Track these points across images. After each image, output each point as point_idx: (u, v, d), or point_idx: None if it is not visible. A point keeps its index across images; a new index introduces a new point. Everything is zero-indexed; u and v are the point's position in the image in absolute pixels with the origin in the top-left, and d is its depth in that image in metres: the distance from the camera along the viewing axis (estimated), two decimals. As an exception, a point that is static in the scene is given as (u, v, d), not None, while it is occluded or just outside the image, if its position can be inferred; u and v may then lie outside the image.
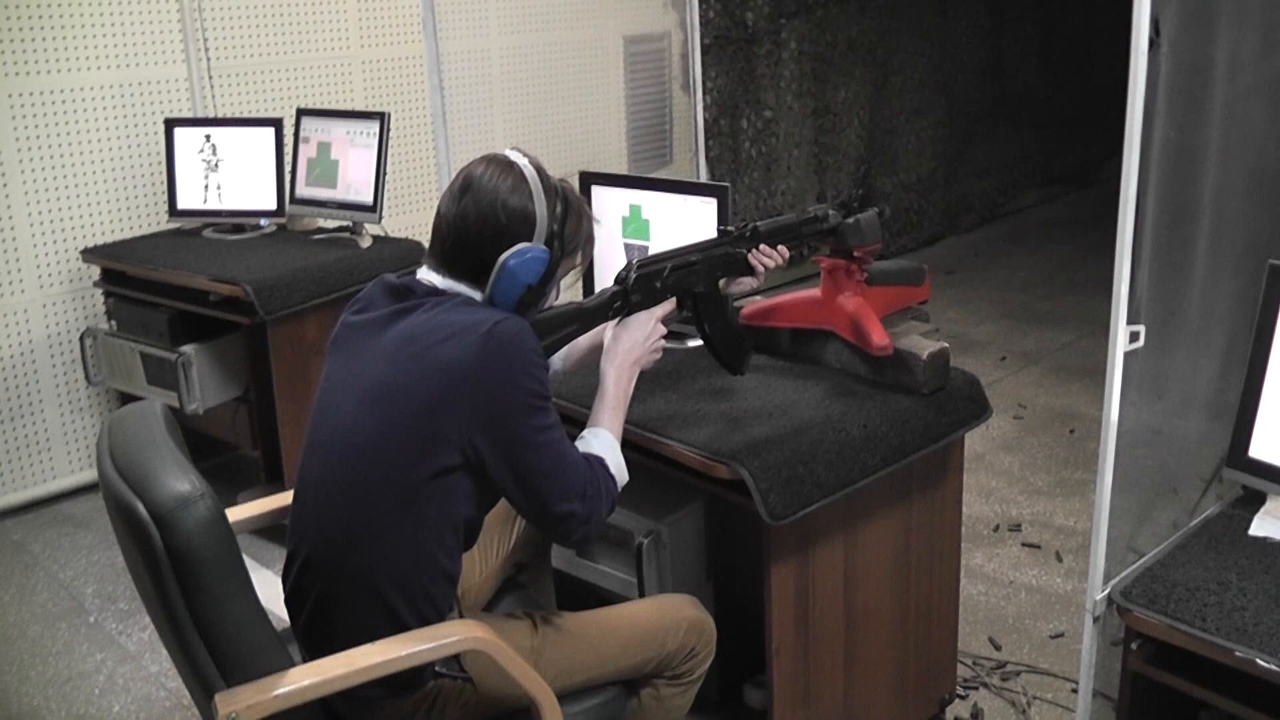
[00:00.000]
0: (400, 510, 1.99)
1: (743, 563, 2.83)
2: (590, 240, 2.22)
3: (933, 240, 8.17)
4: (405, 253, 4.27)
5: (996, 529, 4.01)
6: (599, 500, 2.07)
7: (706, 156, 6.67)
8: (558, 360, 2.41)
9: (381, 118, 4.21)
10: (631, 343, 2.24)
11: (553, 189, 2.10)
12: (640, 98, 6.22)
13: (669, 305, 2.31)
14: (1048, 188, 9.30)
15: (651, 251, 2.89)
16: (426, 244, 4.27)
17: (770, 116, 6.99)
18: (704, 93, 6.41)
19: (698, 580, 2.74)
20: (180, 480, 1.85)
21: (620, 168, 6.14)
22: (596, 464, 2.10)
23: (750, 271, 2.42)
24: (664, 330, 2.30)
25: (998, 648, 3.33)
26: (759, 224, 2.42)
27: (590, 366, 2.37)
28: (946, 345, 2.63)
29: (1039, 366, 5.64)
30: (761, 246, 2.41)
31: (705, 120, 6.57)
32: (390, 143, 4.31)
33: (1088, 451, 4.61)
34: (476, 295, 2.08)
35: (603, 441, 2.15)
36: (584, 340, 2.34)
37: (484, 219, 2.05)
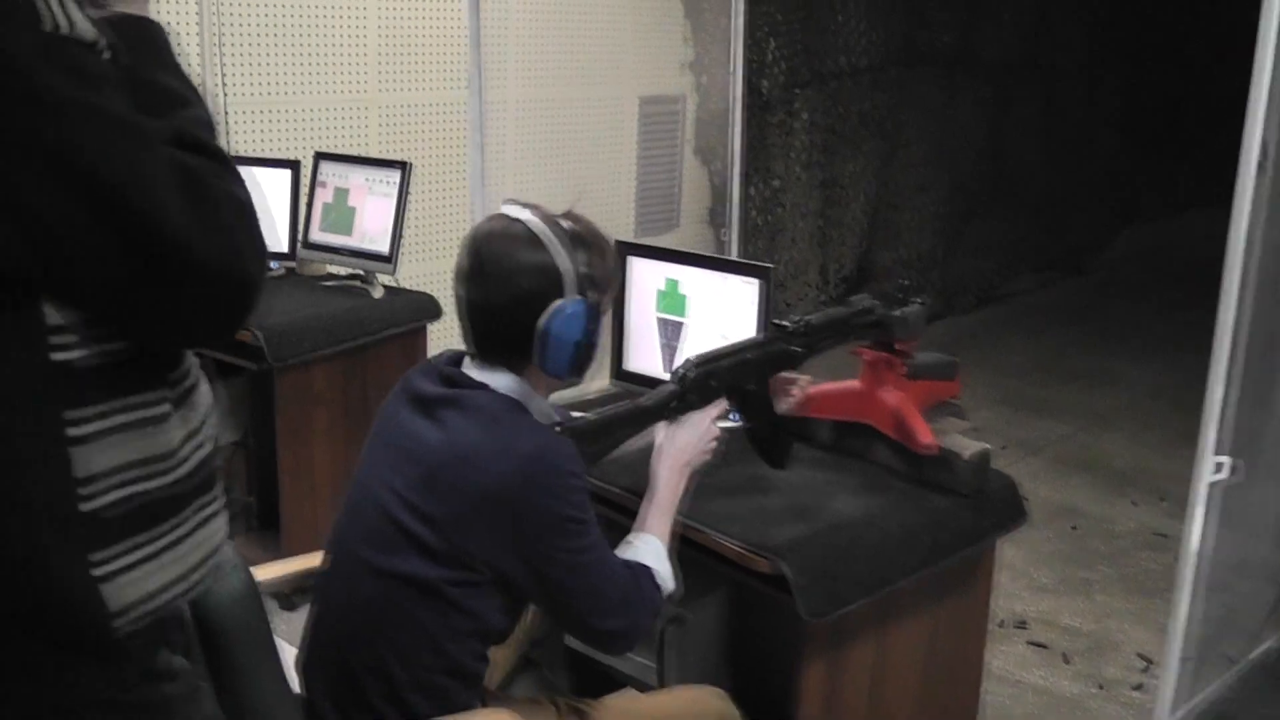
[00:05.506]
0: (427, 610, 1.92)
1: (755, 654, 2.76)
2: (617, 267, 2.14)
3: (930, 320, 8.11)
4: (417, 305, 4.21)
5: (1002, 624, 3.95)
6: (642, 614, 2.01)
7: (711, 222, 6.66)
8: None
9: (403, 167, 4.15)
10: (685, 443, 2.18)
11: (566, 233, 2.00)
12: (652, 159, 6.19)
13: (723, 405, 2.25)
14: (1041, 273, 9.30)
15: (685, 329, 2.84)
16: (439, 296, 4.25)
17: (779, 186, 6.97)
18: (715, 159, 6.40)
19: (717, 669, 2.67)
20: (213, 549, 1.78)
21: (627, 228, 6.10)
22: (642, 574, 2.03)
23: (794, 363, 2.37)
24: (717, 431, 2.23)
25: (1005, 750, 3.27)
26: (812, 319, 2.37)
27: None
28: (989, 447, 2.58)
29: (1038, 458, 5.60)
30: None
31: (714, 186, 6.55)
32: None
33: (1090, 550, 4.57)
34: (517, 387, 2.01)
35: (650, 549, 2.09)
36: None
37: (509, 291, 1.95)
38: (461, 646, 1.95)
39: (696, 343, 2.78)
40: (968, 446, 2.55)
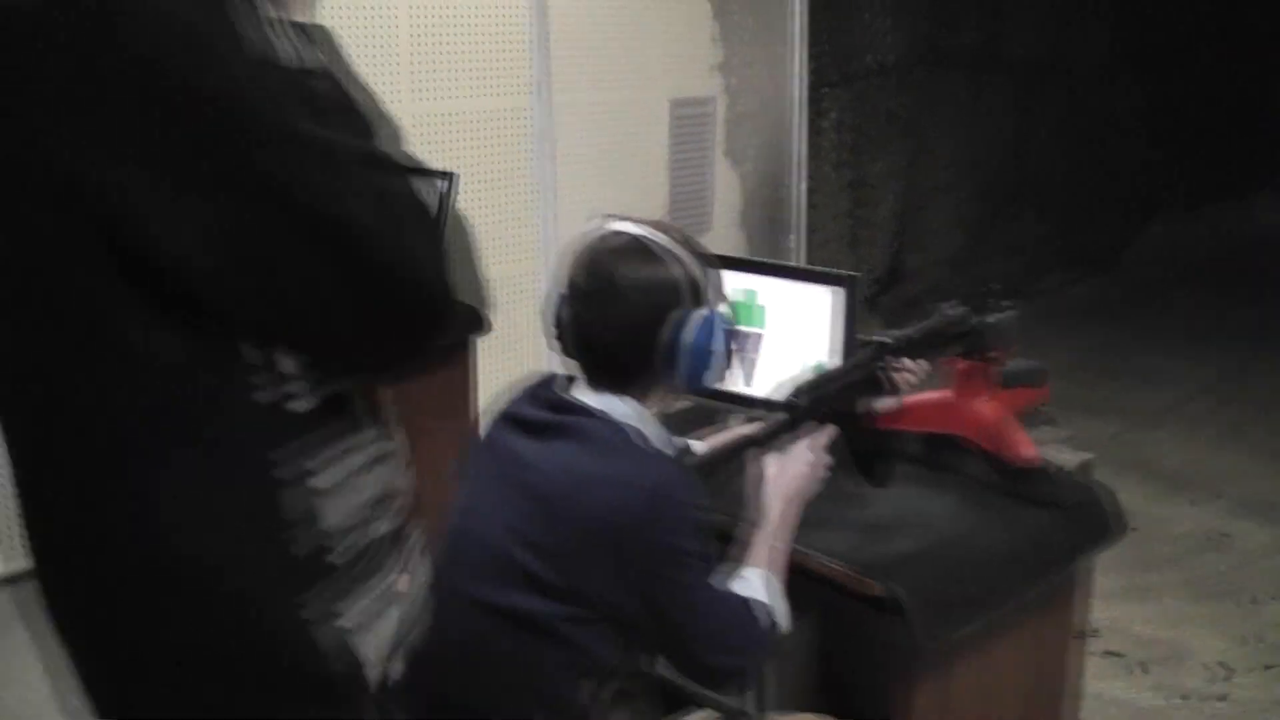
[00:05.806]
0: (539, 647, 1.84)
1: (850, 678, 2.66)
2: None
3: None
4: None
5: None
6: (756, 651, 1.93)
7: (742, 225, 6.54)
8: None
9: (449, 177, 4.04)
10: (796, 473, 2.07)
11: (679, 244, 1.90)
12: (683, 162, 6.08)
13: (831, 432, 2.14)
14: (1067, 271, 9.18)
15: (763, 340, 2.74)
16: (479, 308, 4.13)
17: (809, 187, 6.85)
18: (745, 161, 6.29)
19: (810, 694, 2.57)
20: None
21: (660, 234, 5.99)
22: (756, 609, 1.93)
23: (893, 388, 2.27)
24: (828, 459, 2.13)
25: (1091, 767, 3.17)
26: (910, 333, 2.27)
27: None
28: (1091, 456, 2.49)
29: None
30: (904, 361, 2.26)
31: (744, 189, 6.44)
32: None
33: (1153, 553, 4.47)
34: (631, 411, 1.91)
35: (763, 583, 1.99)
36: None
37: (637, 308, 1.85)
38: (572, 684, 1.86)
39: (775, 355, 2.69)
40: (1068, 458, 2.45)
